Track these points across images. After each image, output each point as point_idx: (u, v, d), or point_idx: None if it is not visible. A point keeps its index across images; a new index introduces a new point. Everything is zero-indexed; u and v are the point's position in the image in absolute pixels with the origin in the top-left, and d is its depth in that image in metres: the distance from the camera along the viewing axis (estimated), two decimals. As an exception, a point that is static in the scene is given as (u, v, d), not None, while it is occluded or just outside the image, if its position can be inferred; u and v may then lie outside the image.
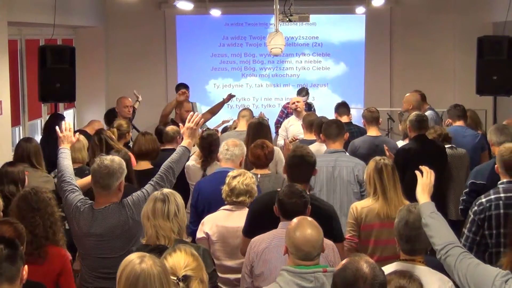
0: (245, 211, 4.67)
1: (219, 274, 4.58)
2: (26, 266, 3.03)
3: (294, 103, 8.71)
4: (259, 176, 5.46)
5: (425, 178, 3.55)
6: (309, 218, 3.55)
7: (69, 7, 9.29)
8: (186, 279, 3.05)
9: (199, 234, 4.72)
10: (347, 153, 5.93)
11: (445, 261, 3.21)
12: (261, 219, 4.32)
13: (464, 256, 3.15)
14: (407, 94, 8.49)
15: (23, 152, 5.79)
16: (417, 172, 3.60)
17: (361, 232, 4.73)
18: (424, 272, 3.39)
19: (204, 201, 5.26)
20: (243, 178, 4.69)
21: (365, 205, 4.76)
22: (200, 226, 4.77)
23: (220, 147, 5.45)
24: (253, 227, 4.34)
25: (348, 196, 5.54)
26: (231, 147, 5.37)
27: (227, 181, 4.72)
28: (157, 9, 11.70)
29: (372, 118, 7.00)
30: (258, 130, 6.34)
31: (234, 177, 4.70)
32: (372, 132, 6.95)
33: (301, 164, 4.59)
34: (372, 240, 4.68)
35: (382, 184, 4.69)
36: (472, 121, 7.47)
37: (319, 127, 6.57)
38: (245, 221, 4.52)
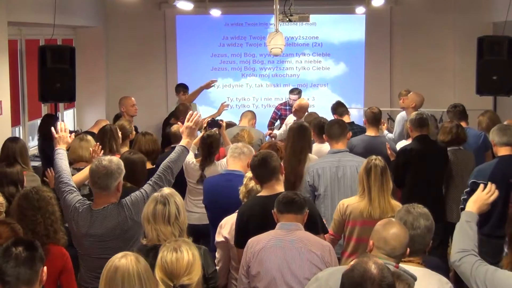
0: None
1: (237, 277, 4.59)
2: (45, 268, 3.00)
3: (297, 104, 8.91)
4: None
5: (484, 193, 3.55)
6: (395, 220, 3.57)
7: (69, 7, 9.29)
8: None
9: (218, 238, 4.66)
10: (350, 153, 5.91)
11: (459, 268, 3.22)
12: (247, 227, 4.33)
13: (480, 264, 3.16)
14: (412, 93, 8.49)
15: (9, 151, 5.79)
16: (481, 185, 3.60)
17: (346, 228, 4.82)
18: (422, 273, 3.38)
19: (207, 200, 5.30)
20: None
21: (351, 202, 4.83)
22: (218, 229, 4.72)
23: (229, 149, 5.40)
24: (243, 237, 4.30)
25: (354, 195, 5.54)
26: (240, 146, 5.32)
27: (244, 182, 4.67)
28: (157, 9, 11.69)
29: (374, 119, 6.99)
30: (301, 134, 6.08)
31: (251, 178, 4.64)
32: (371, 132, 6.94)
33: (261, 166, 4.55)
34: (354, 238, 4.76)
35: (369, 183, 4.75)
36: (492, 122, 7.08)
37: (317, 128, 6.58)
38: (235, 233, 4.47)
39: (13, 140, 6.02)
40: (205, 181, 5.44)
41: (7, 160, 5.62)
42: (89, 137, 5.99)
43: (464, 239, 3.32)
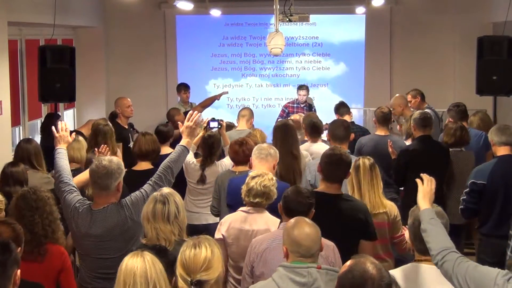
0: (263, 215, 4.60)
1: (235, 275, 4.58)
2: (18, 271, 2.97)
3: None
4: (236, 173, 5.45)
5: (426, 186, 3.57)
6: (306, 218, 3.55)
7: (69, 7, 9.29)
8: (199, 284, 3.06)
9: (217, 235, 4.65)
10: (352, 154, 5.90)
11: (442, 267, 3.20)
12: None
13: (462, 260, 3.14)
14: (392, 100, 8.53)
15: (23, 153, 5.79)
16: (417, 180, 3.62)
17: None
18: (438, 271, 3.37)
19: (232, 200, 5.22)
20: (261, 179, 4.57)
21: None
22: (218, 226, 4.73)
23: (253, 151, 5.29)
24: None
25: None
26: (266, 147, 5.24)
27: (246, 181, 4.63)
28: (157, 9, 11.70)
29: (384, 118, 7.01)
30: (286, 132, 6.05)
31: (253, 177, 4.60)
32: (381, 131, 6.97)
33: (339, 164, 4.57)
34: None
35: (358, 179, 4.79)
36: (482, 122, 7.25)
37: (309, 127, 6.60)
38: None
39: (27, 141, 6.01)
40: (229, 180, 5.36)
41: (21, 161, 5.62)
42: (80, 138, 6.02)
43: (439, 237, 3.29)
